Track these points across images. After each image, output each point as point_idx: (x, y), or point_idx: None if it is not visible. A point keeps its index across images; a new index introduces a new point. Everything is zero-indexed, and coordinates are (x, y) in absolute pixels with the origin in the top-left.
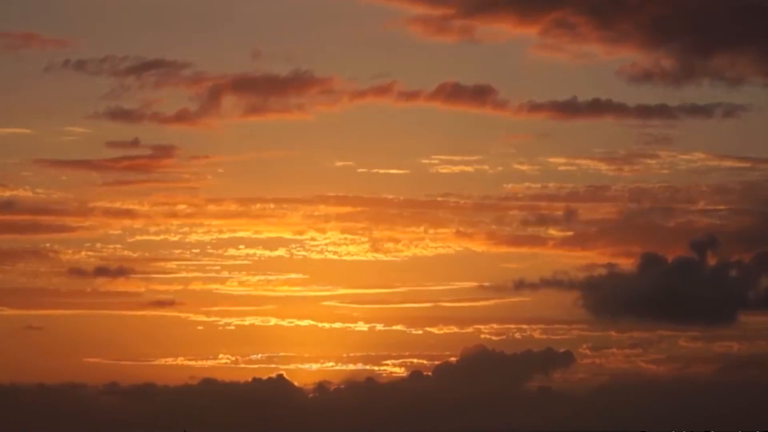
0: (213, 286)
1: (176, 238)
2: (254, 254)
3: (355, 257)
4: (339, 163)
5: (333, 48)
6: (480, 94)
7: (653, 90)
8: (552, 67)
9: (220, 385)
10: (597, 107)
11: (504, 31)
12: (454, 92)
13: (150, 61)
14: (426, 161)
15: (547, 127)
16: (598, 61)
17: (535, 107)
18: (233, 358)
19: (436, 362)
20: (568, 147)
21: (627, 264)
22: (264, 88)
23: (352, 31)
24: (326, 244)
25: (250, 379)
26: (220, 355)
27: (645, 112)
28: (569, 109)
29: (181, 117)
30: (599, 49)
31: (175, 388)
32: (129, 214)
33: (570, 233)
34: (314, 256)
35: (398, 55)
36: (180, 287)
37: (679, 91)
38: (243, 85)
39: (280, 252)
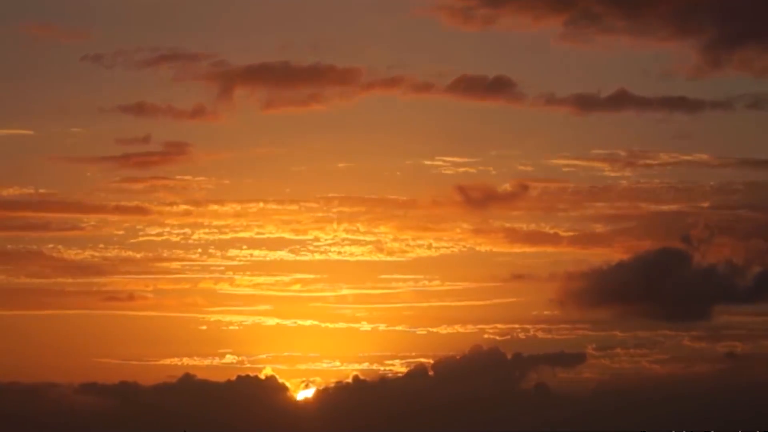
0: (217, 287)
1: (178, 239)
2: (257, 254)
3: (359, 257)
4: (341, 164)
5: (358, 38)
6: (498, 85)
7: (678, 83)
8: (575, 58)
9: (222, 385)
10: (619, 100)
11: (527, 21)
12: (472, 84)
13: (167, 54)
14: (429, 162)
15: (564, 120)
16: (623, 53)
17: (552, 100)
18: (239, 358)
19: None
20: (578, 143)
21: (632, 263)
22: (283, 81)
23: (374, 21)
24: (329, 245)
25: (249, 379)
26: (227, 356)
27: (668, 104)
28: (589, 102)
29: (197, 112)
30: (624, 40)
31: (177, 388)
32: (136, 212)
33: (575, 232)
34: (318, 256)
35: (422, 45)
36: (187, 286)
37: (704, 84)
38: (262, 78)
39: (283, 252)
